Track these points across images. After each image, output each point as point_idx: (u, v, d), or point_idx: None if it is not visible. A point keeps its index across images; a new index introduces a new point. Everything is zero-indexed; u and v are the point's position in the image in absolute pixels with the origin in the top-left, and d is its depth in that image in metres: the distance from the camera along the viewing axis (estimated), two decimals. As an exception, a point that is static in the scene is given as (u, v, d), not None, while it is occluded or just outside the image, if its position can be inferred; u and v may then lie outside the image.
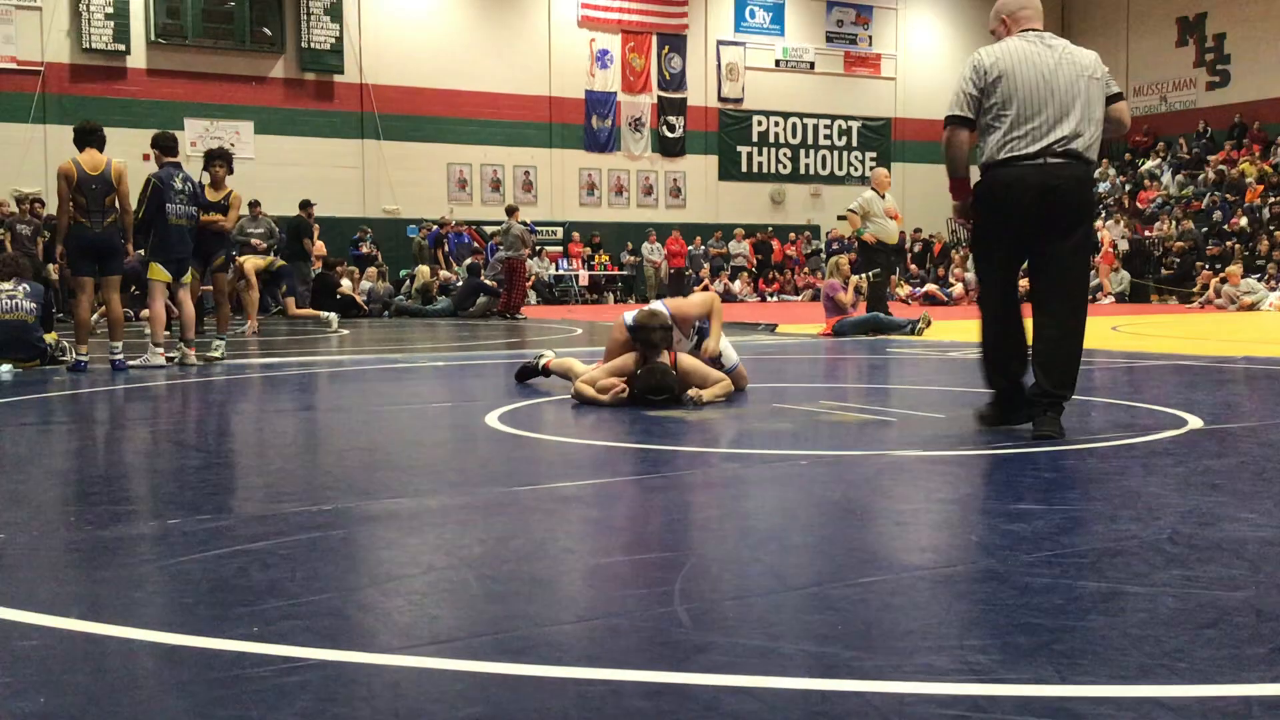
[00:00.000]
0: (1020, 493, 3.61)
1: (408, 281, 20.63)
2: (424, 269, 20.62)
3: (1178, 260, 23.69)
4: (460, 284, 19.66)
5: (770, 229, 28.39)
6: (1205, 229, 24.47)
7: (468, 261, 20.63)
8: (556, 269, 25.63)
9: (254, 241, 14.79)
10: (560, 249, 25.98)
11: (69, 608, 2.40)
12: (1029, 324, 4.72)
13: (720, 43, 28.38)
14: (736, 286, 26.07)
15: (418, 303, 19.48)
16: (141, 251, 9.15)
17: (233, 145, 20.24)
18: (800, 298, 25.96)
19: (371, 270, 20.66)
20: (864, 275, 12.53)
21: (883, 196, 12.74)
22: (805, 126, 29.56)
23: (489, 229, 22.58)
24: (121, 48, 21.98)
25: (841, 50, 29.90)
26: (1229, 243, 23.52)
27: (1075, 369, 4.64)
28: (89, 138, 8.50)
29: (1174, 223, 24.96)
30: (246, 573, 2.67)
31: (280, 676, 1.98)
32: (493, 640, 2.18)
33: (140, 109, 21.58)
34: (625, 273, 26.67)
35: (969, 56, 4.79)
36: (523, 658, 2.07)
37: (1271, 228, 23.47)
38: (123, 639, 2.20)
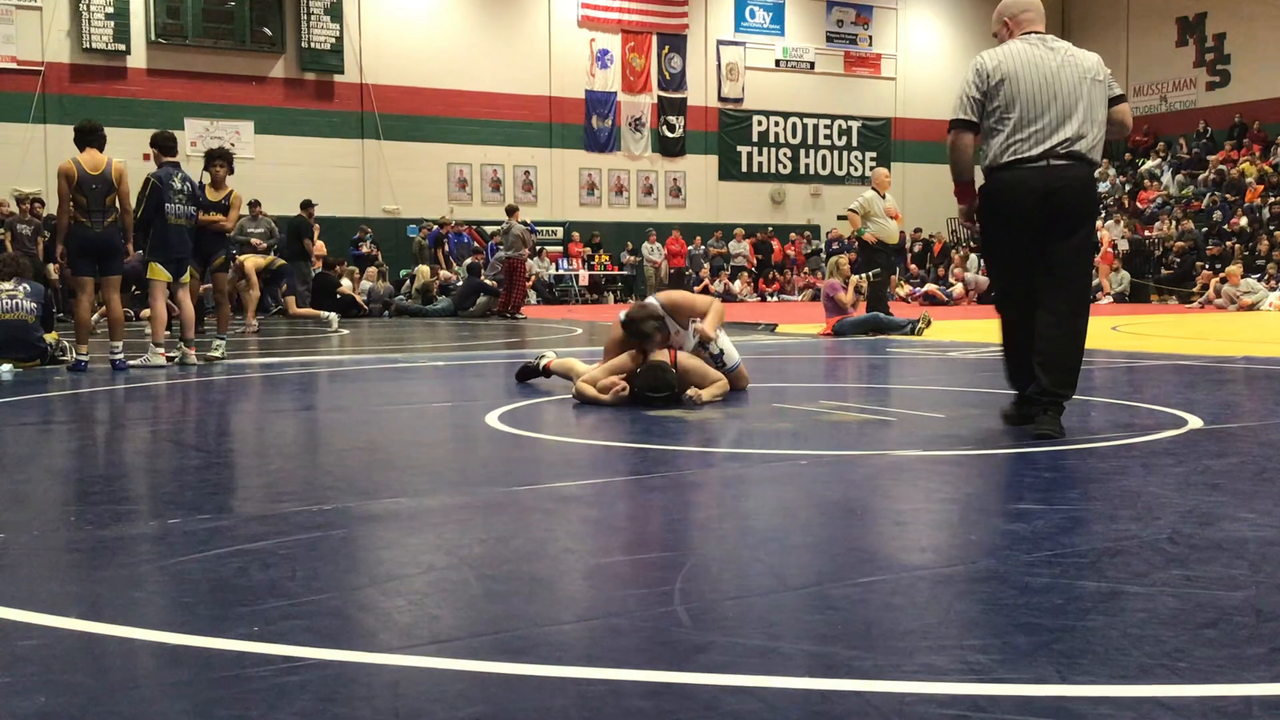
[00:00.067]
0: (1020, 492, 3.61)
1: (408, 281, 20.63)
2: (424, 269, 20.63)
3: (1178, 260, 23.68)
4: (460, 284, 19.67)
5: (770, 229, 28.38)
6: (1205, 229, 24.47)
7: (468, 261, 20.65)
8: (556, 269, 25.63)
9: (254, 241, 14.79)
10: (560, 249, 25.98)
11: (69, 607, 2.40)
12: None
13: (720, 43, 28.38)
14: (736, 286, 26.06)
15: (418, 302, 19.48)
16: (141, 251, 9.16)
17: (233, 145, 20.26)
18: (800, 298, 25.95)
19: (371, 270, 20.66)
20: (864, 275, 12.52)
21: (883, 196, 12.73)
22: (805, 126, 29.55)
23: (489, 229, 22.60)
24: (122, 47, 21.99)
25: (841, 50, 29.89)
26: (1229, 243, 23.52)
27: (1076, 369, 4.66)
28: (89, 137, 8.49)
29: (1174, 223, 24.95)
30: (246, 572, 2.67)
31: (280, 676, 1.98)
32: (493, 640, 2.18)
33: (140, 109, 21.56)
34: (625, 273, 26.66)
35: (971, 59, 4.80)
36: (523, 657, 2.07)
37: (1271, 228, 23.47)
38: (123, 639, 2.20)
